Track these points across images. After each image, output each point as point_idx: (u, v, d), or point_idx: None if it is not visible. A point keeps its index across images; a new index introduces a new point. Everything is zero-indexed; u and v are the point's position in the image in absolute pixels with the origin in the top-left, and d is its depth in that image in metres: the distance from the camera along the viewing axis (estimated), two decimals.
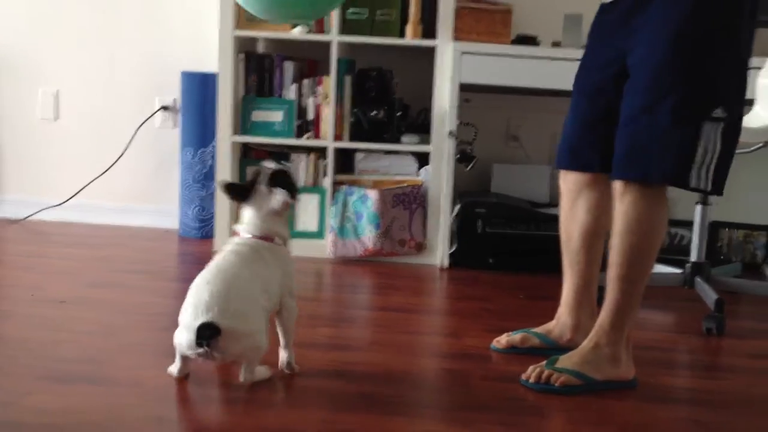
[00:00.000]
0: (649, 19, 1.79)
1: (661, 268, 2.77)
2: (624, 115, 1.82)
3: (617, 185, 1.83)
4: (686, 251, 2.75)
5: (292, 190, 1.87)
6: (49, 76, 3.57)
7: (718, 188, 1.80)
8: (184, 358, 1.78)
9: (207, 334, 1.66)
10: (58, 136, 3.60)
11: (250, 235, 1.84)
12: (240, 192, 1.88)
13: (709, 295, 2.47)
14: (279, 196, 1.82)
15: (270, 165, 1.89)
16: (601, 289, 1.95)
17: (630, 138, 1.80)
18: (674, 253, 3.22)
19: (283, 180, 1.86)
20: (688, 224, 2.82)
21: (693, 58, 1.74)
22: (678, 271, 2.68)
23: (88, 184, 3.51)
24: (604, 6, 1.97)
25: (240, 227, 1.87)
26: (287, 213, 1.89)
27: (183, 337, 1.71)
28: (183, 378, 1.80)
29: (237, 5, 3.04)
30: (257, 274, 1.78)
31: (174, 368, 1.80)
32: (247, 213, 1.86)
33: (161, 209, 3.53)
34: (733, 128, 1.78)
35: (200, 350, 1.68)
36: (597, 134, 1.93)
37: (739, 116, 1.80)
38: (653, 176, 1.78)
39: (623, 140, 1.82)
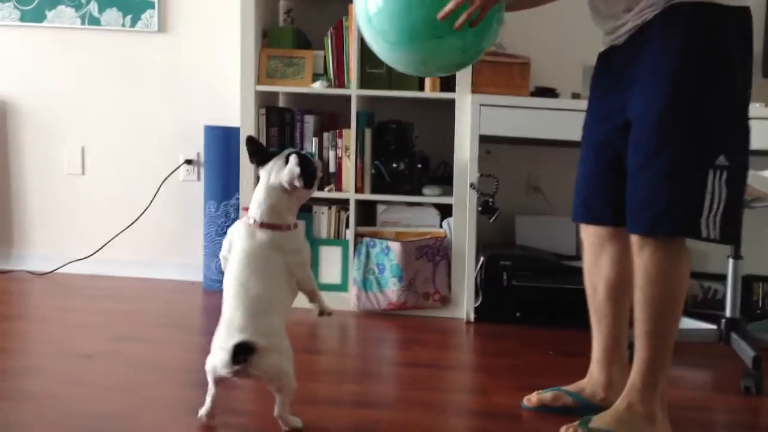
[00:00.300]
0: (645, 70, 1.79)
1: (695, 324, 2.72)
2: (630, 168, 1.82)
3: (634, 239, 1.82)
4: (721, 306, 2.68)
5: (309, 175, 1.90)
6: (75, 132, 3.63)
7: (729, 237, 1.78)
8: (217, 382, 1.84)
9: (243, 350, 1.74)
10: (84, 190, 3.64)
11: (258, 221, 1.88)
12: (261, 151, 1.95)
13: (746, 351, 2.40)
14: (291, 167, 1.86)
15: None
16: (632, 345, 1.92)
17: (637, 191, 1.80)
18: (708, 308, 3.17)
19: (304, 164, 1.88)
20: (722, 278, 2.77)
21: (690, 107, 1.74)
22: (713, 326, 2.61)
23: (114, 237, 3.54)
24: (601, 56, 1.98)
25: (250, 209, 1.92)
26: (295, 197, 1.91)
27: (218, 358, 1.78)
28: (211, 421, 1.87)
29: (257, 62, 3.11)
30: (270, 279, 1.86)
31: (203, 410, 1.87)
32: (257, 191, 1.91)
33: (185, 262, 3.54)
34: (737, 176, 1.76)
35: (237, 368, 1.75)
36: (607, 187, 1.92)
37: (742, 163, 1.78)
38: (663, 228, 1.76)
39: (631, 194, 1.82)
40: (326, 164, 3.15)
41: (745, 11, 1.76)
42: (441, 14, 1.68)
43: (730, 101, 1.75)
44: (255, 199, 1.92)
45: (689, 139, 1.73)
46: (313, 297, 1.99)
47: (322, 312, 1.99)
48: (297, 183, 1.86)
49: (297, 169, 1.86)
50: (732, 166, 1.74)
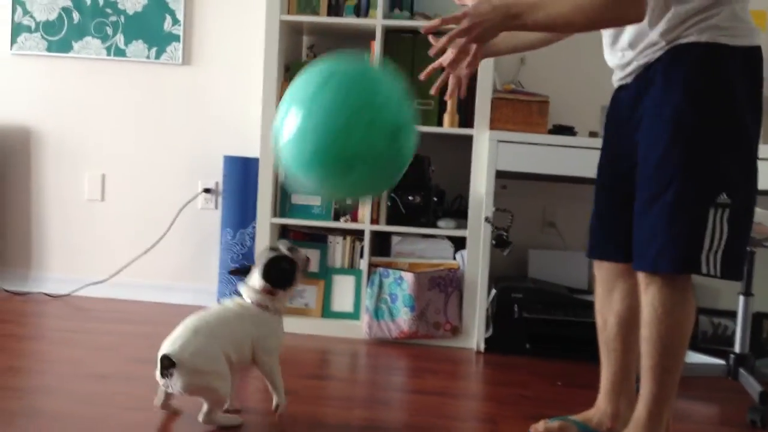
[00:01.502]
0: (649, 110, 1.82)
1: (704, 359, 2.75)
2: (636, 208, 1.85)
3: (640, 276, 1.84)
4: (730, 342, 2.71)
5: (281, 280, 2.08)
6: (96, 159, 3.71)
7: (730, 274, 1.78)
8: (164, 390, 2.02)
9: (165, 364, 1.91)
10: (103, 216, 3.71)
11: (249, 299, 2.08)
12: (242, 274, 2.16)
13: (753, 386, 2.42)
14: (253, 281, 2.08)
15: (282, 247, 2.12)
16: (639, 379, 1.93)
17: (641, 230, 1.82)
18: (718, 343, 3.18)
19: (274, 269, 2.07)
20: (732, 315, 2.79)
21: (692, 145, 1.75)
22: (721, 362, 2.63)
23: (131, 262, 3.60)
24: (613, 96, 2.01)
25: (243, 289, 2.11)
26: (282, 295, 2.10)
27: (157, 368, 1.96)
28: (171, 413, 2.07)
29: (279, 95, 3.18)
30: (232, 329, 2.02)
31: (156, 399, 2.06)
32: (250, 279, 2.10)
33: (201, 288, 3.59)
34: (740, 213, 1.77)
35: (162, 380, 1.94)
36: (619, 225, 1.94)
37: (747, 201, 1.80)
38: (663, 265, 1.78)
39: (636, 233, 1.84)
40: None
41: (754, 50, 1.77)
42: (423, 75, 1.87)
43: (733, 140, 1.77)
44: (248, 288, 2.10)
45: (690, 178, 1.75)
46: (271, 384, 2.10)
47: (277, 407, 2.09)
48: (275, 296, 2.08)
49: (260, 283, 2.07)
50: (735, 204, 1.75)
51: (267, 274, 2.06)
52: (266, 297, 2.08)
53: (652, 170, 1.80)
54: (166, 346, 1.95)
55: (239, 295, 2.12)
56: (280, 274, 2.08)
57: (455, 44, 1.80)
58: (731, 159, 1.77)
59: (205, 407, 1.99)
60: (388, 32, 3.22)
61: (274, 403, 2.09)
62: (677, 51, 1.77)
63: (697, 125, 1.75)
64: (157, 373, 1.95)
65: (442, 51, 1.85)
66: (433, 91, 1.99)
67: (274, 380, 2.08)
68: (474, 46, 1.78)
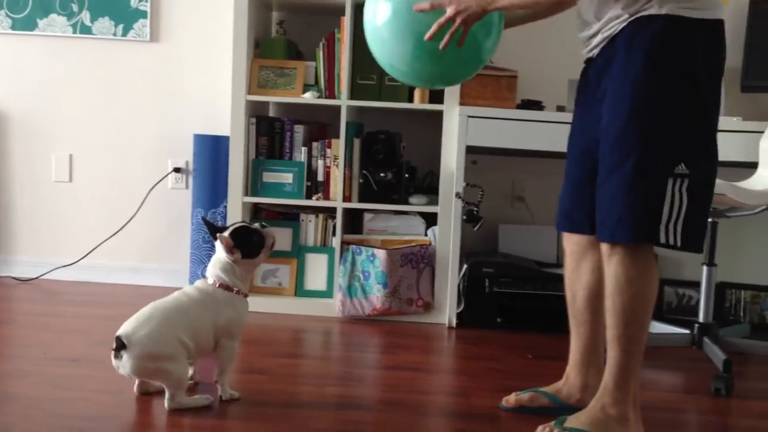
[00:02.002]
0: (612, 82, 1.85)
1: (669, 329, 2.80)
2: (598, 179, 1.87)
3: (603, 247, 1.87)
4: (694, 312, 2.77)
5: (248, 247, 2.09)
6: (63, 140, 3.66)
7: (690, 244, 1.81)
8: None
9: (117, 345, 1.94)
10: (71, 197, 3.67)
11: (211, 280, 2.09)
12: (212, 228, 2.14)
13: (717, 355, 2.48)
14: (219, 244, 2.08)
15: (254, 224, 2.14)
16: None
17: (602, 201, 1.85)
18: (682, 313, 3.25)
19: (241, 237, 2.08)
20: (696, 285, 2.85)
21: (650, 117, 1.78)
22: (686, 331, 2.69)
23: (101, 244, 3.57)
24: (583, 69, 2.03)
25: (207, 272, 2.12)
26: (242, 266, 2.10)
27: None
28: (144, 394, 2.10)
29: (249, 72, 3.16)
30: (190, 316, 2.02)
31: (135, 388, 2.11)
32: (214, 258, 2.12)
33: (172, 269, 3.58)
34: (700, 184, 1.80)
35: (114, 361, 1.97)
36: (587, 197, 1.95)
37: (707, 172, 1.82)
38: (621, 235, 1.81)
39: (598, 203, 1.87)
40: (314, 173, 3.21)
41: (715, 24, 1.79)
42: (427, 36, 1.83)
43: (692, 111, 1.79)
44: (211, 265, 2.11)
45: (649, 148, 1.78)
46: (220, 371, 2.08)
47: (222, 395, 2.08)
48: (233, 256, 2.07)
49: (224, 250, 2.07)
50: (694, 174, 1.78)
51: (234, 236, 2.07)
52: (229, 270, 2.08)
53: (612, 141, 1.82)
54: (121, 328, 1.98)
55: (204, 276, 2.13)
56: (247, 241, 2.09)
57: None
58: (690, 130, 1.79)
59: (167, 393, 1.99)
60: (358, 7, 3.19)
61: (219, 392, 2.08)
62: (638, 23, 1.80)
63: (656, 96, 1.78)
64: (112, 354, 1.97)
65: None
66: None
67: (226, 366, 2.08)
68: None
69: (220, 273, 2.09)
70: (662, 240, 1.79)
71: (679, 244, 1.79)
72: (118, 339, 1.94)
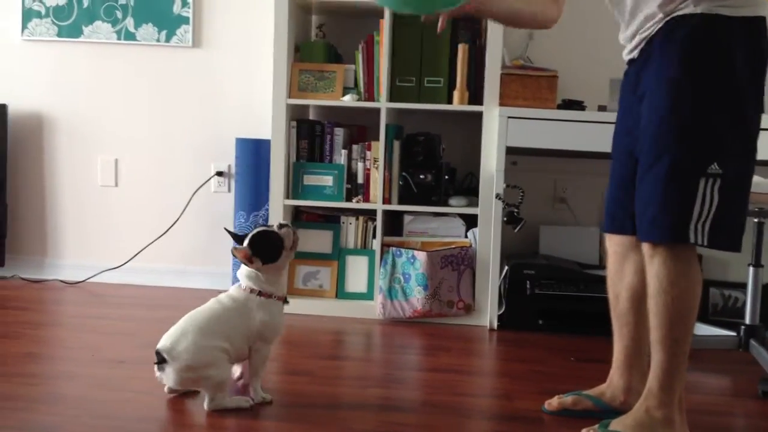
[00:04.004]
0: (650, 83, 1.84)
1: (715, 331, 2.75)
2: (637, 177, 1.87)
3: (645, 248, 1.85)
4: (740, 314, 2.71)
5: (267, 252, 2.07)
6: (109, 145, 3.73)
7: (718, 243, 1.78)
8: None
9: (158, 359, 2.00)
10: (117, 201, 3.74)
11: (243, 285, 2.10)
12: (236, 240, 2.13)
13: (764, 358, 2.43)
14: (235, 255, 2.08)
15: (274, 225, 2.14)
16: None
17: (639, 200, 1.85)
18: (728, 315, 3.19)
19: (259, 244, 2.07)
20: (742, 286, 2.79)
21: (685, 115, 1.76)
22: (732, 333, 2.64)
23: (146, 247, 3.64)
24: (625, 71, 2.02)
25: (239, 274, 2.13)
26: (268, 269, 2.09)
27: None
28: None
29: (289, 75, 3.19)
30: (224, 323, 2.05)
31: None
32: (241, 266, 2.12)
33: (215, 271, 3.62)
34: (734, 183, 1.77)
35: (158, 374, 2.03)
36: (629, 197, 1.94)
37: (741, 172, 1.80)
38: (654, 234, 1.80)
39: (636, 202, 1.87)
40: (354, 175, 3.22)
41: (755, 21, 1.76)
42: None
43: (730, 111, 1.76)
44: (240, 272, 2.13)
45: (682, 147, 1.76)
46: (252, 374, 2.10)
47: (254, 399, 2.09)
48: (253, 265, 2.07)
49: (237, 257, 2.07)
50: (727, 174, 1.75)
51: (252, 244, 2.07)
52: (255, 278, 2.09)
53: (649, 140, 1.81)
54: (161, 342, 2.02)
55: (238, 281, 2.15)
56: (266, 246, 2.08)
57: None
58: (726, 129, 1.77)
59: (207, 395, 2.02)
60: None
61: (251, 395, 2.09)
62: (674, 23, 1.79)
63: (691, 95, 1.76)
64: (155, 366, 2.03)
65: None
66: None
67: (258, 369, 2.09)
68: None
69: (247, 281, 2.10)
70: (692, 239, 1.77)
71: (705, 242, 1.77)
72: (158, 354, 2.00)
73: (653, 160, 1.80)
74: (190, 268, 3.67)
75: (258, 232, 2.10)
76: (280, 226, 2.13)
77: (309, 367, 2.47)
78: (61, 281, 3.65)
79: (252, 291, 2.09)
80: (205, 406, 2.01)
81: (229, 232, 2.18)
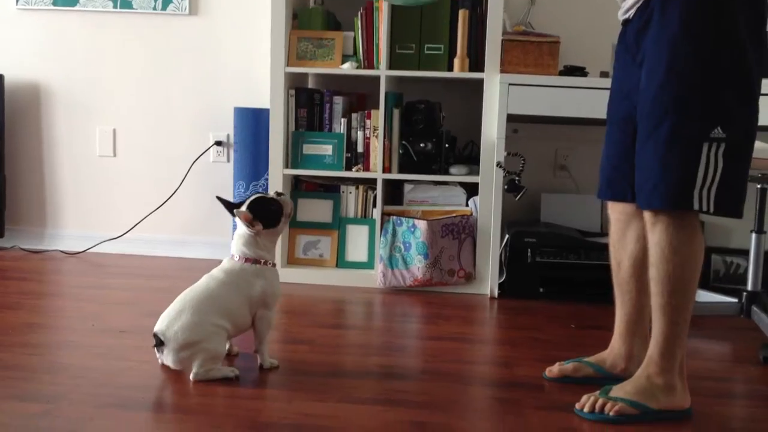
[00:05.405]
0: (649, 44, 1.80)
1: (717, 298, 2.75)
2: (637, 144, 1.83)
3: (646, 215, 1.83)
4: (742, 280, 2.70)
5: (267, 218, 2.09)
6: (107, 115, 3.71)
7: (724, 210, 1.76)
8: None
9: (155, 341, 2.02)
10: (115, 172, 3.72)
11: (237, 256, 2.10)
12: (227, 207, 2.13)
13: (766, 324, 2.43)
14: (238, 218, 2.07)
15: (270, 194, 2.15)
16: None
17: (639, 167, 1.82)
18: (730, 282, 3.18)
19: (260, 208, 2.08)
20: (744, 253, 2.78)
21: (687, 77, 1.73)
22: (734, 300, 2.64)
23: (145, 217, 3.63)
24: (620, 33, 1.98)
25: (231, 248, 2.13)
26: (264, 236, 2.10)
27: None
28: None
29: (288, 43, 3.15)
30: (220, 298, 2.05)
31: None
32: (236, 234, 2.12)
33: (215, 241, 3.61)
34: (737, 148, 1.75)
35: (158, 354, 2.06)
36: (628, 165, 1.91)
37: (745, 135, 1.76)
38: (656, 202, 1.77)
39: (636, 169, 1.84)
40: (354, 144, 3.20)
41: None
42: None
43: (732, 72, 1.73)
44: (234, 241, 2.12)
45: (684, 112, 1.73)
46: (258, 341, 2.11)
47: (262, 365, 2.11)
48: (254, 228, 2.07)
49: (242, 223, 2.07)
50: (730, 138, 1.72)
51: (252, 208, 2.07)
52: (253, 243, 2.09)
53: (649, 105, 1.78)
54: (157, 324, 2.04)
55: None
56: (265, 211, 2.09)
57: None
58: (729, 90, 1.73)
59: (195, 366, 2.00)
60: None
61: (259, 362, 2.11)
62: None
63: (692, 56, 1.73)
64: (154, 349, 2.05)
65: None
66: None
67: (264, 336, 2.10)
68: None
69: (243, 248, 2.10)
70: (696, 206, 1.75)
71: (711, 209, 1.75)
72: (156, 336, 2.02)
73: (654, 125, 1.76)
74: (190, 238, 3.67)
75: (257, 198, 2.11)
76: (278, 194, 2.16)
77: (310, 336, 2.47)
78: (62, 252, 3.65)
79: (247, 260, 2.09)
80: (191, 376, 2.00)
81: (220, 199, 2.16)
